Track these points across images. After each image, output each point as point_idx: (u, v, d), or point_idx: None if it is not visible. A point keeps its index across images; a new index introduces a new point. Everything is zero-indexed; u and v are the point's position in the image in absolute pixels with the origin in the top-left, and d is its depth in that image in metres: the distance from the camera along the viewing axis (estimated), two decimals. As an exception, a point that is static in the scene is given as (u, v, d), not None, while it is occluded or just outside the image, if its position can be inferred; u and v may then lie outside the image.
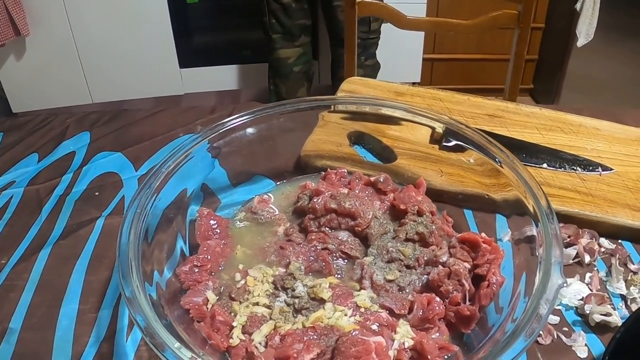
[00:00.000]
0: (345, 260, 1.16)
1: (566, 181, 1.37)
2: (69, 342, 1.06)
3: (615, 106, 3.35)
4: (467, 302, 1.03)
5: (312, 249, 1.15)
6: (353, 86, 1.66)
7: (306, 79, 3.40)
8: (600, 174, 1.39)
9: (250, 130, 1.29)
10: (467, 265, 1.06)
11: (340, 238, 1.17)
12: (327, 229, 1.18)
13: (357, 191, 1.27)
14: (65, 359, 1.04)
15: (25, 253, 1.27)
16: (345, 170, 1.34)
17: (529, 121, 1.57)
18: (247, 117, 1.28)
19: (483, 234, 1.08)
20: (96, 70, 3.79)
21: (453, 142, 1.24)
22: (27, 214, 1.38)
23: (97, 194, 1.42)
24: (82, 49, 3.66)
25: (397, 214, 1.22)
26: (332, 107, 1.36)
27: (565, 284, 1.03)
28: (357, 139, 1.47)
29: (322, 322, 0.99)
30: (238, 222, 1.26)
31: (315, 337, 0.95)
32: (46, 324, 1.10)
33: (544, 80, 4.34)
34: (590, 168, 1.41)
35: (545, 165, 1.42)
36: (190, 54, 4.07)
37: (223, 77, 4.12)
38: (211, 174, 1.31)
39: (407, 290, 1.08)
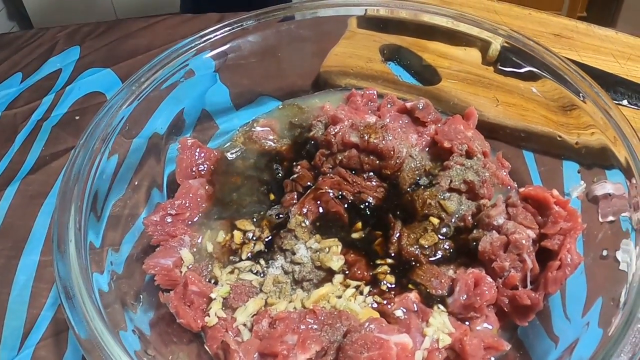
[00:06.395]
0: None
1: (653, 125, 1.09)
2: (24, 303, 0.90)
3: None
4: (529, 286, 0.75)
5: (323, 196, 0.88)
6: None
7: None
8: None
9: (252, 38, 1.02)
10: (532, 234, 0.77)
11: (361, 183, 0.89)
12: (345, 170, 0.90)
13: (387, 120, 0.98)
14: (19, 323, 0.87)
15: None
16: (375, 92, 1.06)
17: (603, 46, 1.28)
18: (250, 21, 1.01)
19: (555, 192, 0.79)
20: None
21: (515, 64, 0.97)
22: (0, 143, 1.18)
23: (77, 118, 1.21)
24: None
25: (439, 153, 0.94)
26: (365, 11, 1.08)
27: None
28: (391, 54, 1.19)
29: (327, 302, 0.74)
30: (230, 154, 0.99)
31: (316, 326, 0.70)
32: (3, 278, 0.93)
33: (598, 7, 3.93)
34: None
35: (625, 102, 1.13)
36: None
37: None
38: (210, 91, 1.06)
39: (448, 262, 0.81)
